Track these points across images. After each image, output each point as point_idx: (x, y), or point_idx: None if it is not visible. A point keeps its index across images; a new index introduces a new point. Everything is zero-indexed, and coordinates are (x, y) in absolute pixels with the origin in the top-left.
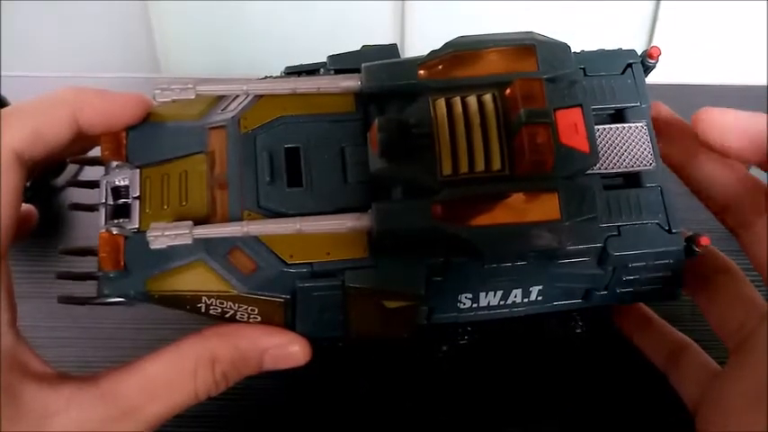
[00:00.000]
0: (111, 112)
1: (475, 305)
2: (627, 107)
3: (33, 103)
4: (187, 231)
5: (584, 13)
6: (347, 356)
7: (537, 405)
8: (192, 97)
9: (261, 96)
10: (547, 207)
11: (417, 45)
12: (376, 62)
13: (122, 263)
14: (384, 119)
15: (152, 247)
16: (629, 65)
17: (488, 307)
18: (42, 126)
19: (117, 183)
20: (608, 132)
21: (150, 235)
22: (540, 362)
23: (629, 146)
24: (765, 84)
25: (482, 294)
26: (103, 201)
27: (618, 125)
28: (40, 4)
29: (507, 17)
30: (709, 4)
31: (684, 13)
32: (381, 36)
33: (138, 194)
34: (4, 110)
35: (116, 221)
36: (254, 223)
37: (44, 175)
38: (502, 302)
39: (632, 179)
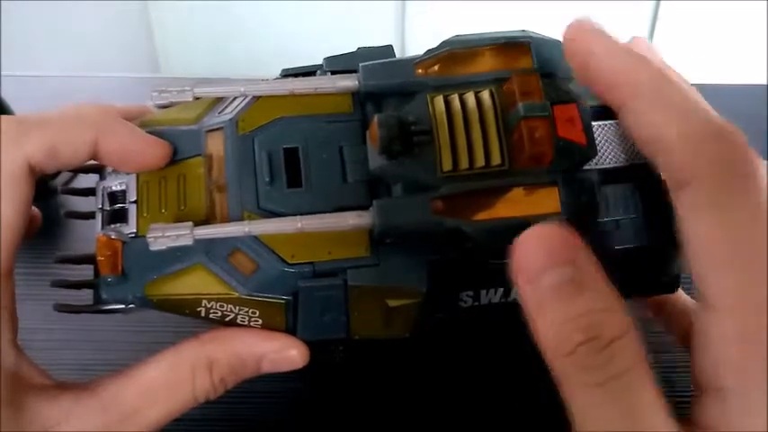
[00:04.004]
0: (134, 152)
1: (476, 303)
2: None
3: (58, 116)
4: (188, 232)
5: (584, 13)
6: (348, 360)
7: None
8: (190, 99)
9: (258, 98)
10: (547, 200)
11: (417, 45)
12: (373, 61)
13: (120, 267)
14: (384, 115)
15: (152, 248)
16: None
17: (489, 305)
18: (61, 144)
19: (113, 188)
20: (603, 128)
21: (150, 236)
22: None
23: (622, 141)
24: (765, 83)
25: (483, 292)
26: (100, 206)
27: (612, 121)
28: (40, 4)
29: (507, 17)
30: (709, 4)
31: (684, 13)
32: (381, 36)
33: (135, 199)
34: (26, 117)
35: (113, 226)
36: (255, 223)
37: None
38: (503, 300)
39: (628, 174)
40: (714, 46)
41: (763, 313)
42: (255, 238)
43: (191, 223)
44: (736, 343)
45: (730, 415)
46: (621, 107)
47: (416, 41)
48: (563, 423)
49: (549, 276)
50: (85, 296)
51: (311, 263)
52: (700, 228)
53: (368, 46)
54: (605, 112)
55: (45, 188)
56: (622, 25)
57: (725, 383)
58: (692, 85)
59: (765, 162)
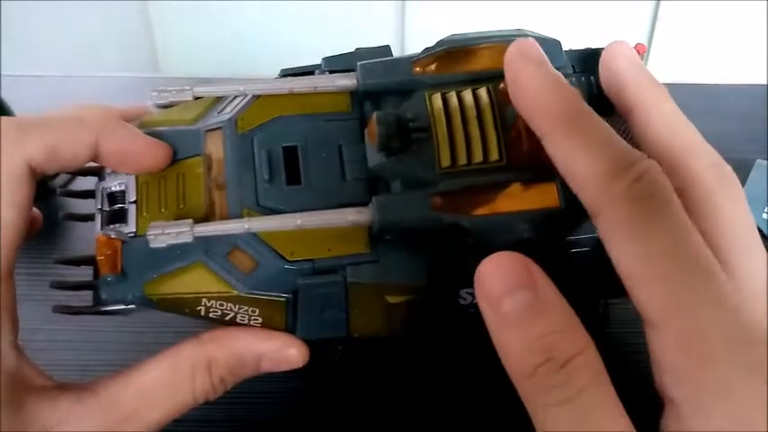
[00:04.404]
0: (134, 153)
1: (475, 301)
2: (605, 103)
3: (59, 117)
4: (188, 229)
5: (585, 13)
6: (347, 360)
7: None
8: (190, 99)
9: (257, 98)
10: (546, 195)
11: (417, 45)
12: (371, 60)
13: (120, 266)
14: (382, 113)
15: (152, 245)
16: None
17: None
18: (62, 144)
19: (113, 188)
20: None
21: (150, 233)
22: None
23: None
24: (765, 83)
25: None
26: (99, 206)
27: (608, 119)
28: (40, 4)
29: (507, 17)
30: (709, 4)
31: (684, 13)
32: (381, 36)
33: (134, 199)
34: (26, 119)
35: (113, 226)
36: (254, 220)
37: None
38: None
39: None
40: (714, 46)
41: (695, 320)
42: (255, 236)
43: (191, 221)
44: (676, 353)
45: (685, 423)
46: (541, 136)
47: (416, 41)
48: None
49: (509, 302)
50: (85, 297)
51: (311, 260)
52: (617, 252)
53: (366, 47)
54: (601, 110)
55: (45, 188)
56: (622, 25)
57: (674, 394)
58: (692, 84)
59: (766, 162)
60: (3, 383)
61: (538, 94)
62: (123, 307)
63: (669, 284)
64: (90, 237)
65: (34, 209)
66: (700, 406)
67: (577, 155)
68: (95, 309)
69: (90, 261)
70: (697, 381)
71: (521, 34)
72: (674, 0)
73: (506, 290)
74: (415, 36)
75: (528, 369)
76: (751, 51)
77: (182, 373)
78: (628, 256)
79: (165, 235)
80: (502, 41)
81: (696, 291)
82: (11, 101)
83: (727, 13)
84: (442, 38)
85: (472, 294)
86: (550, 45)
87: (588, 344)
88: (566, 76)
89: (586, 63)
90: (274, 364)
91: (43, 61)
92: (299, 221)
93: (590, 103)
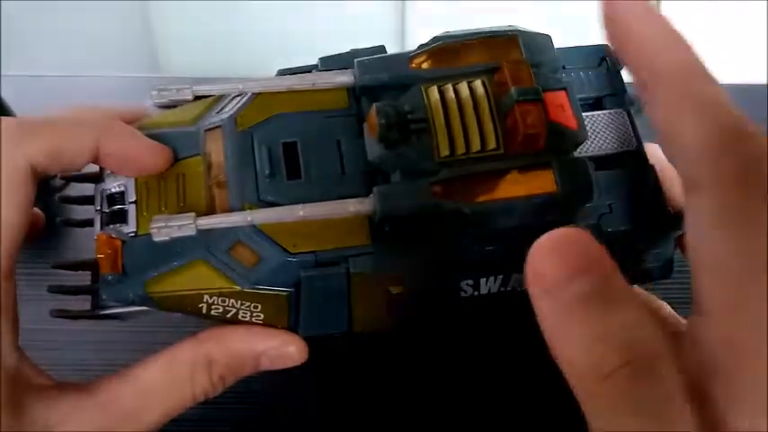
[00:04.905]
0: (135, 155)
1: (476, 293)
2: (605, 96)
3: (60, 118)
4: (191, 222)
5: (585, 13)
6: (349, 358)
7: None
8: (190, 98)
9: (256, 96)
10: (543, 181)
11: (417, 45)
12: (368, 57)
13: (120, 265)
14: (382, 104)
15: (155, 239)
16: (603, 58)
17: (488, 295)
18: (63, 146)
19: (112, 190)
20: (591, 119)
21: (153, 227)
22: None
23: (611, 130)
24: (765, 83)
25: (482, 280)
26: (98, 208)
27: (599, 112)
28: (40, 4)
29: (507, 18)
30: (709, 4)
31: (684, 13)
32: (381, 36)
33: (134, 199)
34: (27, 119)
35: (113, 226)
36: (257, 211)
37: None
38: (501, 289)
39: (618, 161)
40: (714, 46)
41: (752, 327)
42: (257, 230)
43: (193, 214)
44: (722, 351)
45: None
46: (643, 91)
47: (416, 42)
48: (562, 418)
49: (572, 287)
50: (84, 301)
51: (313, 252)
52: (704, 235)
53: (361, 48)
54: (593, 105)
55: (46, 189)
56: None
57: (713, 392)
58: None
59: None
60: (3, 383)
61: (646, 40)
62: (121, 310)
63: (740, 287)
64: (88, 242)
65: (37, 210)
66: (745, 410)
67: (683, 116)
68: (93, 313)
69: (87, 266)
70: (744, 386)
71: (512, 29)
72: (674, 0)
73: (568, 272)
74: (415, 36)
75: (603, 369)
76: (751, 51)
77: (181, 372)
78: (713, 244)
79: (168, 228)
80: (494, 36)
81: None
82: (11, 101)
83: (726, 13)
84: (435, 35)
85: (473, 286)
86: (540, 38)
87: (666, 344)
88: (558, 68)
89: (573, 60)
90: (274, 361)
91: (43, 61)
92: (301, 212)
93: (582, 102)
